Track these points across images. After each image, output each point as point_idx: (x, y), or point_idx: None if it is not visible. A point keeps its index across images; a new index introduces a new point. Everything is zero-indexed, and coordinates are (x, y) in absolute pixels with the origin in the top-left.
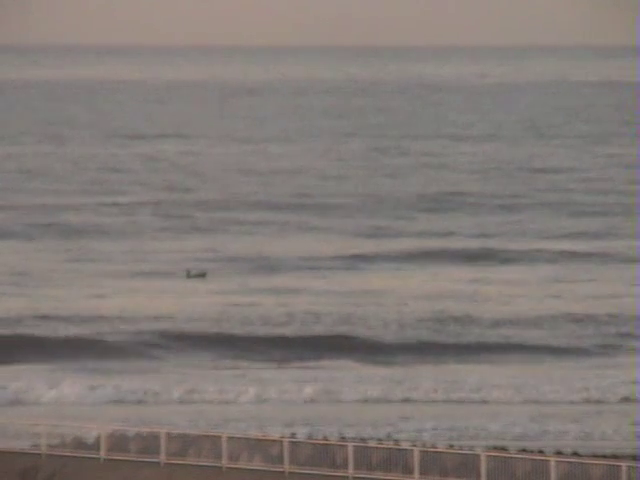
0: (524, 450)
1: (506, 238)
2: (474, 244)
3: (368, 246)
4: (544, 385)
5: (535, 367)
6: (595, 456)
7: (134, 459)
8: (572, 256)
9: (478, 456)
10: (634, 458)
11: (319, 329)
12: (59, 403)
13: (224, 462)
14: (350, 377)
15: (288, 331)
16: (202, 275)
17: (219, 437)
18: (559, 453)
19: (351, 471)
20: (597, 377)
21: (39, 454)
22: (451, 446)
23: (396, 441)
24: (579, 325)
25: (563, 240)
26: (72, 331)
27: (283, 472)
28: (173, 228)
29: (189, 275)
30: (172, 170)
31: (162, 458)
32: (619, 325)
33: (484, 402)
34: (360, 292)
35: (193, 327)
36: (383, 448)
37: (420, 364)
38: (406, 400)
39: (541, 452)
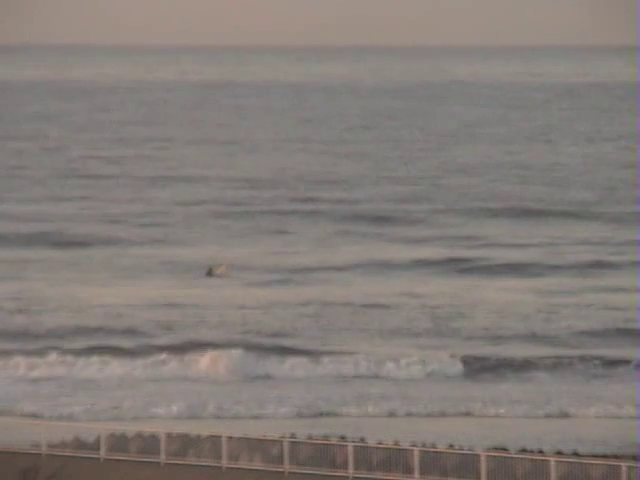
0: (524, 450)
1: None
2: (515, 254)
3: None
4: None
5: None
6: (595, 456)
7: (134, 459)
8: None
9: (478, 456)
10: (634, 458)
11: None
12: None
13: (224, 462)
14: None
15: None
16: (210, 272)
17: (219, 437)
18: (559, 453)
19: (351, 471)
20: None
21: (39, 454)
22: (451, 446)
23: (396, 441)
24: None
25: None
26: None
27: (283, 472)
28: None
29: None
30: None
31: (162, 458)
32: None
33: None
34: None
35: None
36: (383, 448)
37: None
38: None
39: (541, 452)
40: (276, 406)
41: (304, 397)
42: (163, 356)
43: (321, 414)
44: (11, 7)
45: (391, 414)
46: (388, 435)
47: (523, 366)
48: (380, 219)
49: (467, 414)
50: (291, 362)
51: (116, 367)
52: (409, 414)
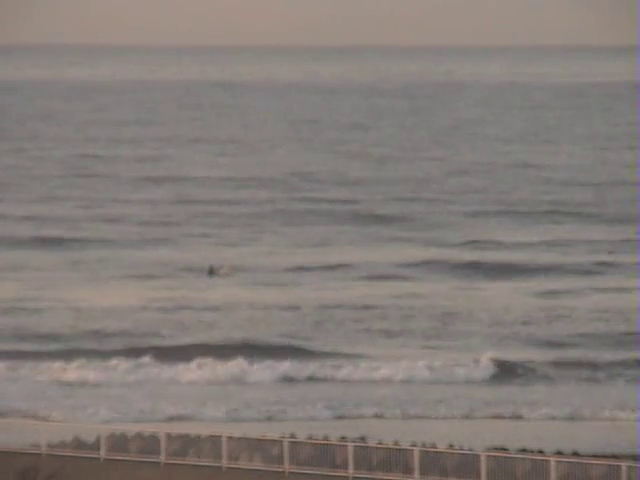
0: (524, 450)
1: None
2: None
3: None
4: None
5: None
6: (595, 456)
7: (134, 459)
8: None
9: (478, 456)
10: (634, 458)
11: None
12: None
13: (224, 462)
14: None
15: None
16: (211, 272)
17: (219, 437)
18: (559, 453)
19: (351, 471)
20: None
21: (39, 454)
22: (451, 446)
23: (396, 441)
24: None
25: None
26: None
27: (283, 472)
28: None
29: (212, 273)
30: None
31: (162, 458)
32: None
33: None
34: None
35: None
36: (383, 448)
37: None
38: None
39: (541, 452)
40: (287, 407)
41: (307, 399)
42: (147, 358)
43: (325, 417)
44: (10, 7)
45: (393, 416)
46: (394, 437)
47: (524, 367)
48: (380, 219)
49: (468, 416)
50: (292, 363)
51: (118, 369)
52: (411, 416)
